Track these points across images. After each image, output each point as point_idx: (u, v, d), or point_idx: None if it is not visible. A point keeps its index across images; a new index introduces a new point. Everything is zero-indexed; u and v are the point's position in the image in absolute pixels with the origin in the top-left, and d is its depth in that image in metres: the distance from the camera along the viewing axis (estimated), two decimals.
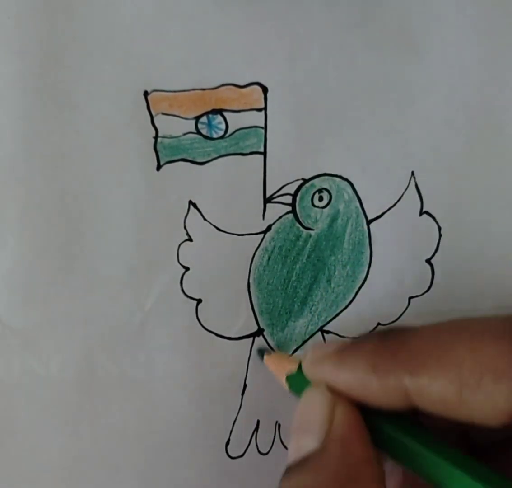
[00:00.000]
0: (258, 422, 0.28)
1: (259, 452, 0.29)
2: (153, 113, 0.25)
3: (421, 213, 0.28)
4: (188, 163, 0.26)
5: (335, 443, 0.22)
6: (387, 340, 0.22)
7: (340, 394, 0.23)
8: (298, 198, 0.27)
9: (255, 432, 0.28)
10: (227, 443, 0.28)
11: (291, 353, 0.28)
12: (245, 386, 0.28)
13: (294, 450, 0.22)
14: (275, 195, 0.27)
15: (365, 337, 0.23)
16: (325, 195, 0.27)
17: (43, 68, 0.24)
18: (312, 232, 0.28)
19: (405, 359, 0.22)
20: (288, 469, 0.22)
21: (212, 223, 0.26)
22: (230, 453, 0.28)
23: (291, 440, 0.23)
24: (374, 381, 0.22)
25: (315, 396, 0.23)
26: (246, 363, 0.28)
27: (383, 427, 0.23)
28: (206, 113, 0.25)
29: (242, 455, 0.28)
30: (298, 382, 0.25)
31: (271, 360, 0.27)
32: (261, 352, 0.28)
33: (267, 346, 0.28)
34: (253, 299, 0.27)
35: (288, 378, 0.25)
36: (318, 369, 0.24)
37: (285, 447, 0.29)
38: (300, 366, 0.25)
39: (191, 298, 0.27)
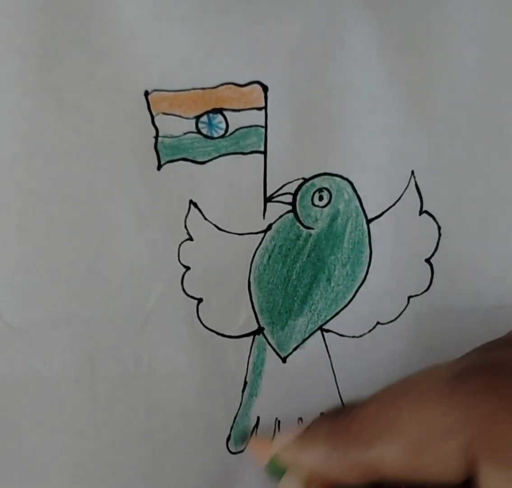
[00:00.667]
0: (258, 418, 0.28)
1: None
2: (154, 113, 0.25)
3: (421, 213, 0.28)
4: (189, 163, 0.26)
5: None
6: (339, 419, 0.23)
7: (314, 476, 0.23)
8: (298, 197, 0.27)
9: (255, 428, 0.28)
10: (228, 439, 0.28)
11: (291, 351, 0.28)
12: (245, 383, 0.28)
13: None
14: (275, 195, 0.27)
15: (320, 420, 0.24)
16: (325, 194, 0.27)
17: (44, 68, 0.24)
18: (312, 231, 0.27)
19: (357, 435, 0.22)
20: None
21: (213, 222, 0.26)
22: (230, 449, 0.28)
23: None
24: (336, 460, 0.22)
25: (289, 479, 0.24)
26: (247, 361, 0.28)
27: None
28: (207, 113, 0.25)
29: (243, 451, 0.28)
30: (276, 469, 0.25)
31: (252, 445, 0.28)
32: (242, 437, 0.28)
33: (248, 432, 0.28)
34: (253, 298, 0.27)
35: (267, 466, 0.26)
36: (286, 454, 0.24)
37: None
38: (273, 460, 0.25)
39: (192, 297, 0.27)
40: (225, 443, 0.28)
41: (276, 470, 0.25)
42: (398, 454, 0.21)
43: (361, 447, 0.21)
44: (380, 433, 0.21)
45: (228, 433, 0.28)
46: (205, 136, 0.25)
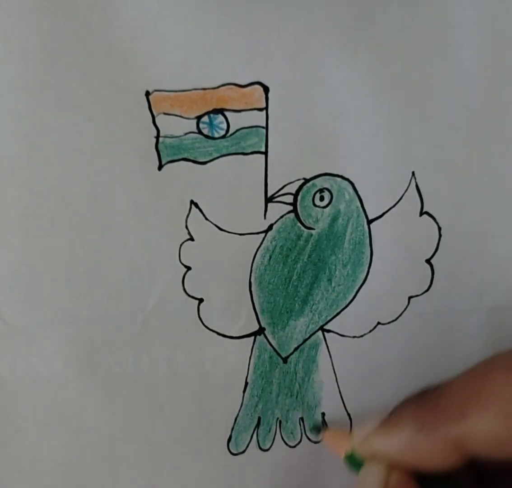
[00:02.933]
0: (259, 418, 0.28)
1: (260, 448, 0.28)
2: (155, 113, 0.24)
3: (421, 213, 0.28)
4: (190, 163, 0.25)
5: None
6: (426, 399, 0.22)
7: (395, 465, 0.23)
8: (299, 197, 0.26)
9: (256, 429, 0.28)
10: (229, 440, 0.27)
11: (291, 351, 0.28)
12: (246, 383, 0.27)
13: None
14: (276, 195, 0.26)
15: (403, 405, 0.23)
16: (326, 195, 0.27)
17: (45, 68, 0.23)
18: (313, 231, 0.27)
19: (447, 409, 0.21)
20: None
21: (214, 222, 0.26)
22: (231, 450, 0.28)
23: None
24: (424, 439, 0.22)
25: (370, 470, 0.23)
26: (247, 361, 0.27)
27: None
28: (208, 113, 0.25)
29: (243, 452, 0.28)
30: (355, 460, 0.25)
31: (328, 437, 0.27)
32: (317, 429, 0.28)
33: (322, 423, 0.28)
34: (254, 298, 0.27)
35: (347, 458, 0.25)
36: (368, 444, 0.24)
37: (286, 444, 0.28)
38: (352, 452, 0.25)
39: (192, 297, 0.26)
40: (226, 444, 0.28)
41: (358, 461, 0.24)
42: (489, 425, 0.20)
43: (451, 420, 0.21)
44: (471, 404, 0.21)
45: (229, 433, 0.27)
46: (206, 136, 0.25)
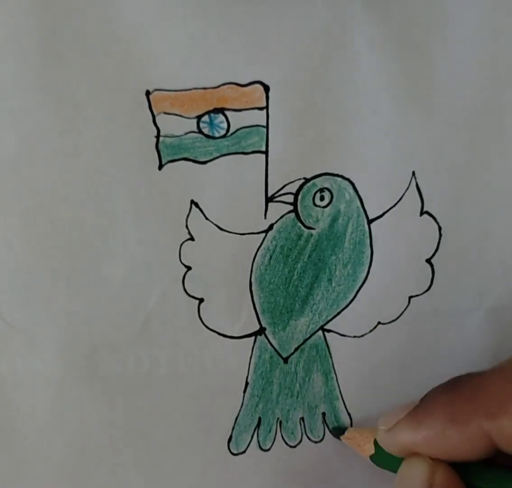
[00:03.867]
0: (259, 419, 0.28)
1: (260, 448, 0.28)
2: (155, 113, 0.24)
3: (421, 213, 0.28)
4: (190, 163, 0.25)
5: None
6: (459, 390, 0.22)
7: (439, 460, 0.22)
8: (299, 197, 0.26)
9: (257, 429, 0.28)
10: (229, 440, 0.27)
11: (292, 351, 0.27)
12: (246, 383, 0.27)
13: None
14: (276, 195, 0.26)
15: (432, 395, 0.23)
16: (326, 194, 0.26)
17: (45, 68, 0.23)
18: (313, 231, 0.27)
19: (482, 404, 0.21)
20: None
21: (214, 222, 0.26)
22: (231, 450, 0.27)
23: None
24: (454, 432, 0.21)
25: (415, 462, 0.23)
26: (248, 361, 0.27)
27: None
28: (208, 113, 0.25)
29: (244, 452, 0.28)
30: (382, 457, 0.25)
31: (349, 438, 0.27)
32: (336, 429, 0.28)
33: (343, 425, 0.28)
34: (254, 298, 0.27)
35: (373, 457, 0.25)
36: (395, 438, 0.23)
37: (286, 444, 0.28)
38: (376, 445, 0.25)
39: (193, 297, 0.26)
40: (226, 444, 0.27)
41: (385, 457, 0.24)
42: None
43: (486, 416, 0.21)
44: (507, 403, 0.21)
45: (230, 434, 0.27)
46: (207, 136, 0.25)
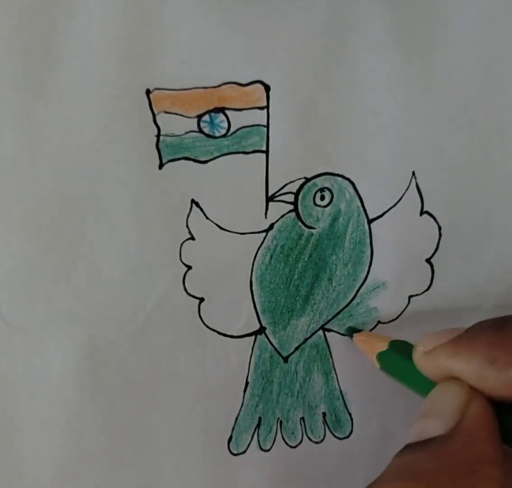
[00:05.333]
0: (260, 419, 0.27)
1: (260, 448, 0.28)
2: (155, 112, 0.24)
3: (421, 213, 0.27)
4: (190, 162, 0.25)
5: (463, 434, 0.20)
6: (504, 332, 0.21)
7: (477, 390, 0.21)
8: (300, 197, 0.26)
9: (257, 429, 0.27)
10: (229, 440, 0.27)
11: (292, 351, 0.27)
12: (247, 383, 0.27)
13: (417, 431, 0.21)
14: (277, 194, 0.26)
15: (479, 328, 0.22)
16: (326, 194, 0.26)
17: (45, 67, 0.23)
18: (313, 231, 0.27)
19: None
20: (407, 447, 0.20)
21: (215, 222, 0.25)
22: (232, 450, 0.27)
23: (416, 422, 0.21)
24: (492, 374, 0.20)
25: (451, 387, 0.21)
26: (248, 361, 0.27)
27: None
28: (208, 112, 0.24)
29: (244, 452, 0.27)
30: (388, 360, 0.24)
31: (361, 339, 0.26)
32: (351, 330, 0.27)
33: (356, 327, 0.27)
34: (255, 298, 0.26)
35: (379, 355, 0.24)
36: (431, 359, 0.22)
37: (287, 444, 0.28)
38: (390, 345, 0.24)
39: (193, 296, 0.26)
40: (226, 444, 0.27)
41: (388, 363, 0.24)
42: None
43: None
44: None
45: (230, 434, 0.27)
46: (207, 135, 0.25)
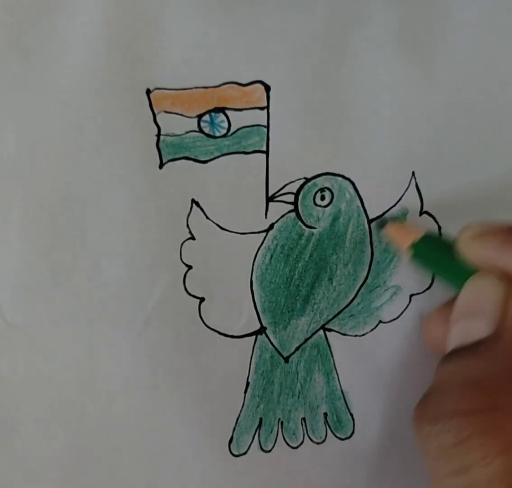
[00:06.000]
0: (260, 419, 0.27)
1: (261, 449, 0.27)
2: (156, 112, 0.24)
3: (421, 213, 0.27)
4: (191, 162, 0.25)
5: (511, 333, 0.19)
6: None
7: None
8: (300, 197, 0.26)
9: (258, 429, 0.27)
10: (230, 441, 0.27)
11: (293, 351, 0.27)
12: (247, 383, 0.27)
13: (460, 334, 0.20)
14: (277, 194, 0.26)
15: None
16: (327, 194, 0.26)
17: (45, 67, 0.23)
18: (314, 231, 0.26)
19: None
20: (453, 352, 0.19)
21: (215, 221, 0.25)
22: (232, 451, 0.27)
23: (455, 324, 0.20)
24: None
25: (488, 281, 0.20)
26: (249, 361, 0.27)
27: None
28: (209, 112, 0.24)
29: (245, 453, 0.27)
30: (422, 250, 0.24)
31: (394, 227, 0.26)
32: (383, 221, 0.26)
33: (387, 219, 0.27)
34: (255, 297, 0.26)
35: (413, 245, 0.24)
36: (479, 245, 0.21)
37: (288, 445, 0.28)
38: (424, 237, 0.24)
39: (194, 296, 0.26)
40: (227, 445, 0.27)
41: (420, 255, 0.23)
42: None
43: None
44: None
45: (230, 434, 0.27)
46: (207, 135, 0.25)
